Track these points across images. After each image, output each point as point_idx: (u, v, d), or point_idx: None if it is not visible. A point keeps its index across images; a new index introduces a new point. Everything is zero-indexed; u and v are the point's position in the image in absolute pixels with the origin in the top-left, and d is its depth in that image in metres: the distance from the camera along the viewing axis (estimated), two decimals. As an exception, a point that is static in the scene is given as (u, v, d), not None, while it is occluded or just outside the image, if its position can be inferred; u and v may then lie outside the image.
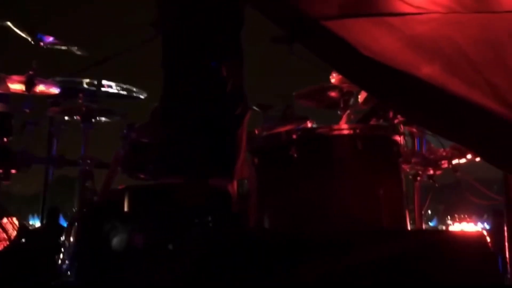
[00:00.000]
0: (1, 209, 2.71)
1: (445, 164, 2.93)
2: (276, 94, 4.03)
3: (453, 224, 5.43)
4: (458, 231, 3.61)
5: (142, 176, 3.11)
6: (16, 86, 3.11)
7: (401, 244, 1.55)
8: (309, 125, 3.33)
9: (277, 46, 3.06)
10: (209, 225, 2.34)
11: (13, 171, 2.49)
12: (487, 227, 4.21)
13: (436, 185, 3.03)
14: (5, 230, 2.99)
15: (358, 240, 1.50)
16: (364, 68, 1.37)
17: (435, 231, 3.59)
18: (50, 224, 3.30)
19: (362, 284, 1.33)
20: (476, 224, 4.87)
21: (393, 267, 1.48)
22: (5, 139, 2.48)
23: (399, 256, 1.51)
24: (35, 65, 3.22)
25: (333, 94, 3.26)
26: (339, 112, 3.28)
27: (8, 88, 2.58)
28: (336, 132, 2.25)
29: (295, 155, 2.16)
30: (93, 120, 3.36)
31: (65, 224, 3.48)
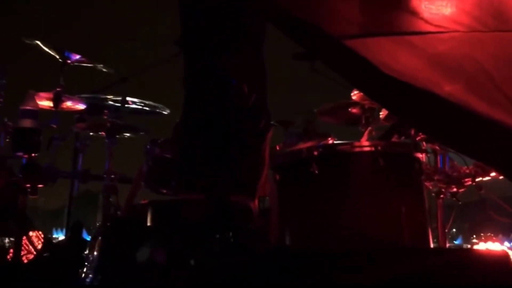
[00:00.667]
0: (28, 223, 2.77)
1: (468, 181, 2.89)
2: (298, 111, 4.05)
3: (478, 243, 5.34)
4: (482, 250, 3.55)
5: (164, 191, 3.15)
6: (44, 102, 3.19)
7: (424, 262, 1.54)
8: (330, 141, 3.34)
9: (299, 62, 3.09)
10: (230, 241, 2.35)
11: (40, 185, 2.56)
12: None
13: (459, 202, 3.00)
14: (32, 243, 3.05)
15: (380, 257, 1.50)
16: (384, 86, 1.38)
17: (458, 249, 3.53)
18: (74, 238, 3.35)
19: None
20: (502, 243, 4.79)
21: (417, 285, 1.47)
22: (33, 155, 2.55)
23: (423, 274, 1.49)
24: (62, 82, 3.30)
25: (354, 110, 3.27)
26: (360, 129, 3.28)
27: (37, 104, 2.66)
28: (357, 149, 2.25)
29: (316, 172, 2.17)
30: (117, 135, 3.42)
31: (88, 238, 3.53)
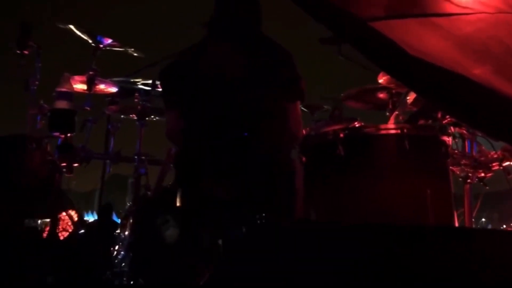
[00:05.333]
0: (68, 201, 2.88)
1: (496, 166, 2.88)
2: (324, 96, 4.07)
3: (507, 232, 5.25)
4: None
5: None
6: (78, 85, 3.29)
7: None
8: (357, 125, 3.35)
9: (325, 47, 3.10)
10: (257, 222, 2.40)
11: (75, 164, 2.66)
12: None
13: (487, 187, 2.99)
14: (72, 221, 3.15)
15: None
16: (411, 68, 1.40)
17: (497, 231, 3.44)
18: (104, 220, 3.46)
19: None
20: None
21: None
22: (69, 135, 2.64)
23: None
24: (95, 65, 3.40)
25: (381, 95, 3.26)
26: (387, 114, 3.28)
27: (72, 87, 2.75)
28: (383, 131, 2.27)
29: (342, 154, 2.20)
30: (147, 118, 3.51)
31: (118, 220, 3.64)
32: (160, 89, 3.60)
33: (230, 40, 2.49)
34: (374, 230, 1.21)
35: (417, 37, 1.45)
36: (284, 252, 1.35)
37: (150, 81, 3.56)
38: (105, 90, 3.44)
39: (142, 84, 3.57)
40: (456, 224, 2.49)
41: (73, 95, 2.73)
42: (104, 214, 3.57)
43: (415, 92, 2.52)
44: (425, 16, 1.47)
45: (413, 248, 1.21)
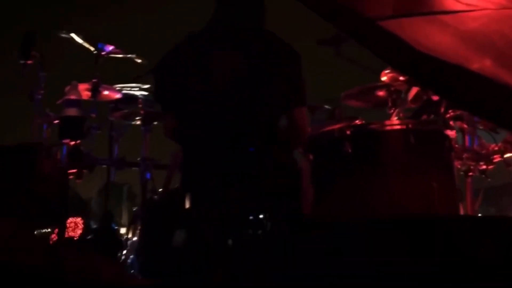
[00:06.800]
0: (77, 208, 2.91)
1: (497, 158, 2.94)
2: (324, 97, 4.12)
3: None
4: None
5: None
6: (82, 93, 3.33)
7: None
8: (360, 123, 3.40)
9: (324, 47, 3.15)
10: (264, 222, 2.43)
11: (84, 171, 2.70)
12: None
13: (489, 179, 3.04)
14: (78, 227, 3.18)
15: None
16: (419, 64, 1.46)
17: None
18: (104, 228, 3.50)
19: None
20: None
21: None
22: (78, 142, 2.69)
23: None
24: (98, 73, 3.44)
25: (381, 93, 3.32)
26: (387, 111, 3.33)
27: (80, 94, 2.80)
28: (388, 127, 2.33)
29: (350, 151, 2.26)
30: (152, 123, 3.55)
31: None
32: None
33: (233, 37, 2.35)
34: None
35: (425, 33, 1.51)
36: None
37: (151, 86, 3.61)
38: (110, 96, 3.48)
39: (144, 90, 3.62)
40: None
41: (81, 103, 2.77)
42: (107, 221, 3.61)
43: (423, 86, 2.58)
44: (432, 14, 1.53)
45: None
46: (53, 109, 3.27)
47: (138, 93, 3.62)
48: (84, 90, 3.33)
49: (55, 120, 2.96)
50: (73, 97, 2.75)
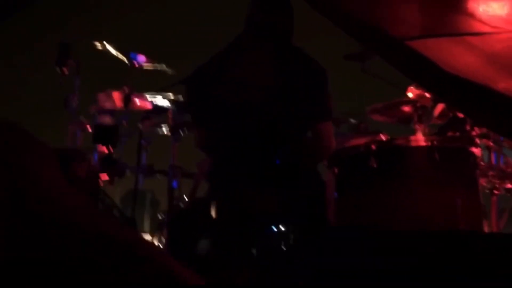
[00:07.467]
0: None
1: (524, 177, 2.93)
2: (349, 111, 4.16)
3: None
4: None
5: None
6: (115, 102, 3.45)
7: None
8: (383, 138, 3.43)
9: (350, 62, 3.20)
10: (288, 231, 2.47)
11: (115, 176, 2.80)
12: None
13: (514, 199, 3.03)
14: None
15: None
16: (446, 83, 1.50)
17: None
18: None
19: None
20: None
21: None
22: (111, 149, 2.79)
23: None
24: (130, 82, 3.55)
25: (406, 108, 3.34)
26: (412, 127, 3.34)
27: (115, 103, 2.90)
28: (413, 143, 2.35)
29: (375, 165, 2.29)
30: (181, 132, 3.64)
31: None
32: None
33: (263, 52, 2.44)
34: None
35: (451, 54, 1.55)
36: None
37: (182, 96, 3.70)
38: (141, 105, 3.58)
39: (174, 100, 3.71)
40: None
41: (115, 111, 2.87)
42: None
43: (449, 104, 2.60)
44: (458, 35, 1.57)
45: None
46: (86, 116, 3.39)
47: (167, 103, 3.71)
48: (116, 99, 3.45)
49: (88, 126, 3.07)
50: (107, 105, 2.85)
